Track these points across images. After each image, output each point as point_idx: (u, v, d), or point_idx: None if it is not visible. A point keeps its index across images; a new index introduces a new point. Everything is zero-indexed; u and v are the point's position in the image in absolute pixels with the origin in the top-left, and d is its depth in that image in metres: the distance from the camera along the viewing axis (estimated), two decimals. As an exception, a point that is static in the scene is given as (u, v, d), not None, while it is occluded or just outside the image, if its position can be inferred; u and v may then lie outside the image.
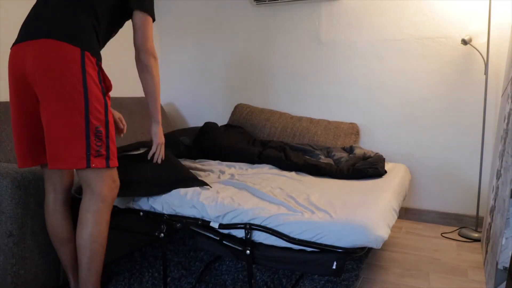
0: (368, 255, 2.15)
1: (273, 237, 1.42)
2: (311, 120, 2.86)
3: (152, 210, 1.68)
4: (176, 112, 3.47)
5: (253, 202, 1.55)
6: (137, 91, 3.12)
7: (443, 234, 2.48)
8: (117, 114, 1.77)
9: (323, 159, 2.31)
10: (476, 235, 2.39)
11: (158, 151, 1.75)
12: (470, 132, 2.55)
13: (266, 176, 1.99)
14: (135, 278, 1.85)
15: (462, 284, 1.84)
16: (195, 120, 3.41)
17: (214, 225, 1.53)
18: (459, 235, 2.47)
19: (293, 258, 1.41)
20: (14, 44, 1.42)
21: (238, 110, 3.06)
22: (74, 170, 1.54)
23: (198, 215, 1.58)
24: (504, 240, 1.50)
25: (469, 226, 2.59)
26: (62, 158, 1.37)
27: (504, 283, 1.52)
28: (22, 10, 2.26)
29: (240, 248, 1.47)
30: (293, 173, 2.09)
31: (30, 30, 1.39)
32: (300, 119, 2.89)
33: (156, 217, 1.66)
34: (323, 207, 1.50)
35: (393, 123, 2.74)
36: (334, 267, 1.34)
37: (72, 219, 1.60)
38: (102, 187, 1.44)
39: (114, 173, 1.50)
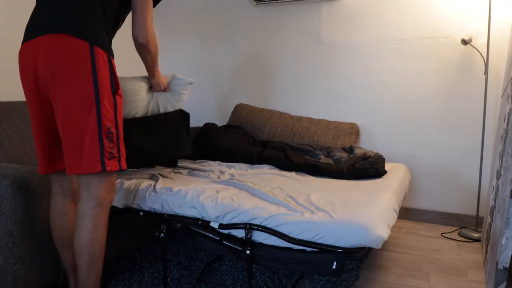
0: (368, 255, 2.15)
1: (273, 237, 1.42)
2: (311, 120, 2.86)
3: (152, 210, 1.68)
4: (176, 112, 3.47)
5: (253, 202, 1.55)
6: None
7: (443, 234, 2.48)
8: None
9: (323, 159, 2.31)
10: (476, 235, 2.39)
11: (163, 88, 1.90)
12: (470, 132, 2.55)
13: (266, 176, 1.99)
14: (135, 278, 1.84)
15: (462, 284, 1.84)
16: (195, 120, 3.41)
17: (214, 225, 1.53)
18: (459, 235, 2.47)
19: (293, 258, 1.41)
20: (22, 44, 1.38)
21: (238, 110, 3.06)
22: None
23: (198, 215, 1.58)
24: (504, 240, 1.50)
25: (469, 226, 2.59)
26: (79, 163, 1.34)
27: (504, 283, 1.52)
28: (22, 10, 2.26)
29: (240, 248, 1.47)
30: (293, 173, 2.09)
31: (36, 27, 1.35)
32: (300, 119, 2.89)
33: (156, 217, 1.66)
34: (323, 207, 1.50)
35: (393, 123, 2.74)
36: (334, 267, 1.34)
37: None
38: (101, 191, 1.40)
39: (114, 177, 1.46)
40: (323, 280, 1.83)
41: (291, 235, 1.39)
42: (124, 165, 1.43)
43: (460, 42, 2.51)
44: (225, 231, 1.52)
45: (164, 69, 3.44)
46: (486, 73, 2.37)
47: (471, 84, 2.52)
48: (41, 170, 1.47)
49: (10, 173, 1.49)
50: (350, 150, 2.49)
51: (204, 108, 3.36)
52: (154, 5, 1.61)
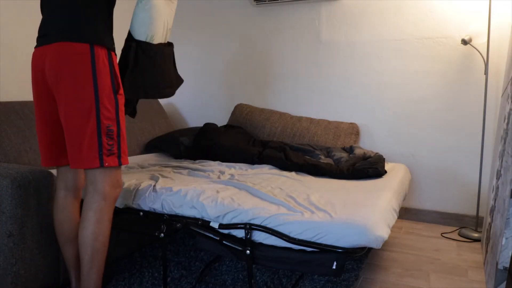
0: (368, 255, 2.15)
1: (273, 237, 1.42)
2: (311, 120, 2.86)
3: (152, 210, 1.68)
4: (176, 112, 3.47)
5: (253, 202, 1.55)
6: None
7: (443, 234, 2.48)
8: None
9: (323, 159, 2.31)
10: (476, 235, 2.39)
11: None
12: (470, 132, 2.55)
13: (266, 176, 1.99)
14: (135, 278, 1.84)
15: (462, 284, 1.84)
16: (195, 120, 3.41)
17: (214, 225, 1.53)
18: (459, 235, 2.47)
19: (293, 258, 1.41)
20: (35, 47, 1.48)
21: (238, 110, 3.06)
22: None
23: (198, 215, 1.58)
24: (504, 240, 1.50)
25: (469, 226, 2.59)
26: (79, 158, 1.41)
27: (504, 283, 1.52)
28: (23, 10, 2.26)
29: (240, 248, 1.47)
30: (293, 173, 2.09)
31: (42, 34, 1.44)
32: (300, 119, 2.89)
33: (156, 217, 1.66)
34: (323, 207, 1.50)
35: (393, 123, 2.74)
36: (334, 267, 1.34)
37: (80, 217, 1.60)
38: (105, 185, 1.46)
39: (119, 173, 1.52)
40: (323, 280, 1.83)
41: (291, 235, 1.39)
42: (124, 161, 1.49)
43: (460, 42, 2.51)
44: (225, 231, 1.52)
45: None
46: (486, 73, 2.37)
47: (471, 84, 2.52)
48: (43, 163, 1.55)
49: (10, 173, 1.49)
50: (350, 150, 2.49)
51: (204, 108, 3.36)
52: None
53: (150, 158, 2.56)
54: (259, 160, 2.28)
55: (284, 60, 3.03)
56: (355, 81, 2.82)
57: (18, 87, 2.26)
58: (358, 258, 2.07)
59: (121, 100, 1.49)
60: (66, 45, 1.38)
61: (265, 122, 2.91)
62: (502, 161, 1.84)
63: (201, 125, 3.36)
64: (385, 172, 2.05)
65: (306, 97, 2.99)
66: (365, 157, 2.25)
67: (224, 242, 1.50)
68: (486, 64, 2.37)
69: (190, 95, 3.40)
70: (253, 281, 1.52)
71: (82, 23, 1.40)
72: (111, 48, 1.46)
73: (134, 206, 1.71)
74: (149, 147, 2.67)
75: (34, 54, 1.48)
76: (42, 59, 1.43)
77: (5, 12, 2.18)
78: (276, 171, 2.12)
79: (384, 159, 2.17)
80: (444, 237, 2.44)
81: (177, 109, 3.46)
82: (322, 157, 2.36)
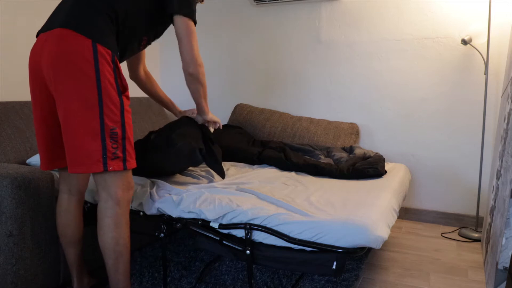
0: (368, 255, 2.15)
1: (273, 237, 1.42)
2: (311, 120, 2.86)
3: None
4: (176, 112, 3.47)
5: (253, 202, 1.55)
6: (137, 91, 3.12)
7: (443, 234, 2.48)
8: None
9: (323, 159, 2.31)
10: (476, 235, 2.39)
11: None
12: (470, 132, 2.55)
13: (266, 176, 1.99)
14: (135, 278, 1.85)
15: (462, 284, 1.84)
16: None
17: (214, 225, 1.53)
18: (459, 235, 2.47)
19: (293, 258, 1.41)
20: (36, 37, 1.42)
21: (238, 110, 3.06)
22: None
23: (197, 218, 1.58)
24: (504, 240, 1.50)
25: (469, 226, 2.59)
26: (80, 162, 1.34)
27: (504, 283, 1.52)
28: (23, 10, 2.26)
29: (240, 248, 1.47)
30: (293, 173, 2.08)
31: (50, 21, 1.38)
32: (300, 119, 2.89)
33: (156, 217, 1.66)
34: (323, 207, 1.50)
35: (393, 123, 2.74)
36: (334, 267, 1.34)
37: (83, 220, 1.60)
38: (117, 190, 1.39)
39: (130, 175, 1.45)
40: (323, 280, 1.83)
41: (291, 235, 1.39)
42: (130, 165, 1.40)
43: (460, 42, 2.51)
44: (225, 231, 1.52)
45: (164, 69, 3.44)
46: (486, 73, 2.37)
47: (471, 84, 2.52)
48: (42, 166, 1.49)
49: (10, 173, 1.49)
50: (350, 150, 2.49)
51: (204, 108, 3.36)
52: (195, 23, 1.58)
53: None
54: (259, 160, 2.28)
55: (284, 60, 3.03)
56: (355, 81, 2.82)
57: (18, 87, 2.26)
58: (358, 258, 2.07)
59: (126, 101, 1.40)
60: (67, 33, 1.30)
61: (265, 122, 2.91)
62: (502, 161, 1.84)
63: (201, 125, 3.36)
64: (385, 172, 2.05)
65: (306, 97, 2.99)
66: (365, 157, 2.25)
67: (224, 242, 1.50)
68: (486, 64, 2.37)
69: (190, 95, 3.39)
70: (253, 281, 1.52)
71: (88, 22, 1.33)
72: (115, 53, 1.38)
73: (133, 207, 1.71)
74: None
75: (34, 45, 1.39)
76: (41, 52, 1.34)
77: (5, 12, 2.18)
78: (276, 171, 2.12)
79: (384, 159, 2.17)
80: (444, 237, 2.44)
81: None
82: (322, 157, 2.36)
